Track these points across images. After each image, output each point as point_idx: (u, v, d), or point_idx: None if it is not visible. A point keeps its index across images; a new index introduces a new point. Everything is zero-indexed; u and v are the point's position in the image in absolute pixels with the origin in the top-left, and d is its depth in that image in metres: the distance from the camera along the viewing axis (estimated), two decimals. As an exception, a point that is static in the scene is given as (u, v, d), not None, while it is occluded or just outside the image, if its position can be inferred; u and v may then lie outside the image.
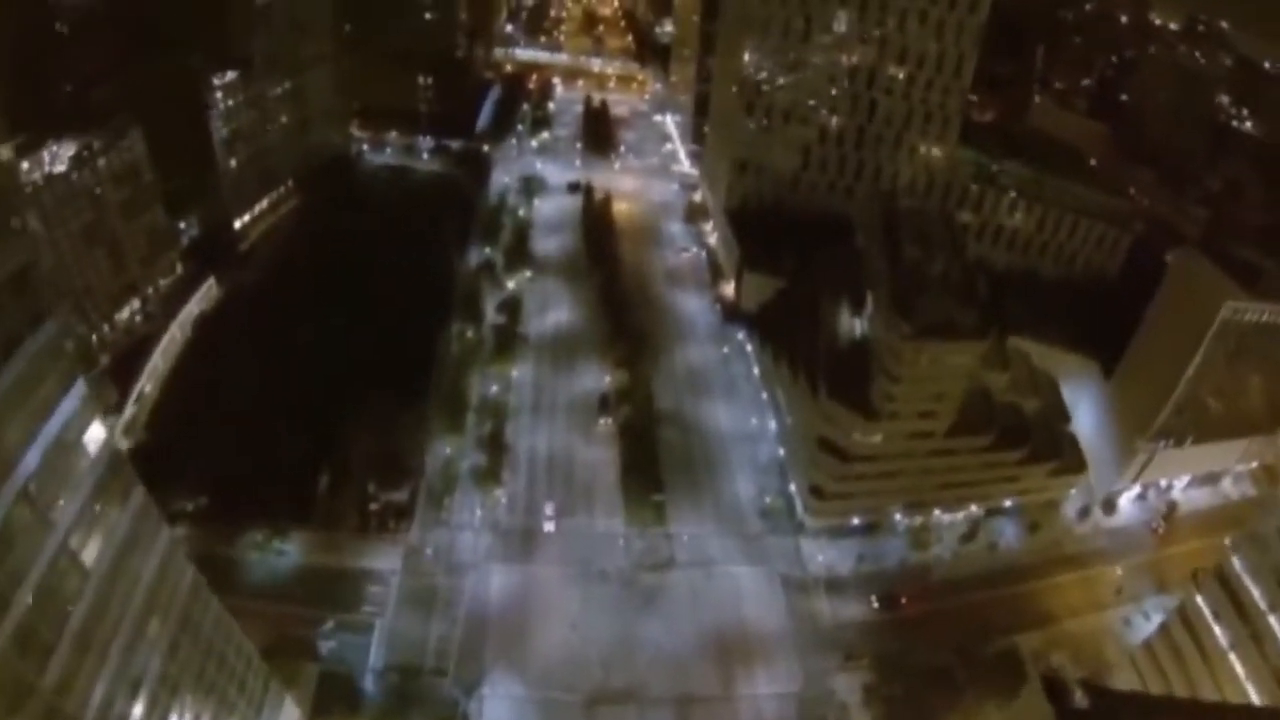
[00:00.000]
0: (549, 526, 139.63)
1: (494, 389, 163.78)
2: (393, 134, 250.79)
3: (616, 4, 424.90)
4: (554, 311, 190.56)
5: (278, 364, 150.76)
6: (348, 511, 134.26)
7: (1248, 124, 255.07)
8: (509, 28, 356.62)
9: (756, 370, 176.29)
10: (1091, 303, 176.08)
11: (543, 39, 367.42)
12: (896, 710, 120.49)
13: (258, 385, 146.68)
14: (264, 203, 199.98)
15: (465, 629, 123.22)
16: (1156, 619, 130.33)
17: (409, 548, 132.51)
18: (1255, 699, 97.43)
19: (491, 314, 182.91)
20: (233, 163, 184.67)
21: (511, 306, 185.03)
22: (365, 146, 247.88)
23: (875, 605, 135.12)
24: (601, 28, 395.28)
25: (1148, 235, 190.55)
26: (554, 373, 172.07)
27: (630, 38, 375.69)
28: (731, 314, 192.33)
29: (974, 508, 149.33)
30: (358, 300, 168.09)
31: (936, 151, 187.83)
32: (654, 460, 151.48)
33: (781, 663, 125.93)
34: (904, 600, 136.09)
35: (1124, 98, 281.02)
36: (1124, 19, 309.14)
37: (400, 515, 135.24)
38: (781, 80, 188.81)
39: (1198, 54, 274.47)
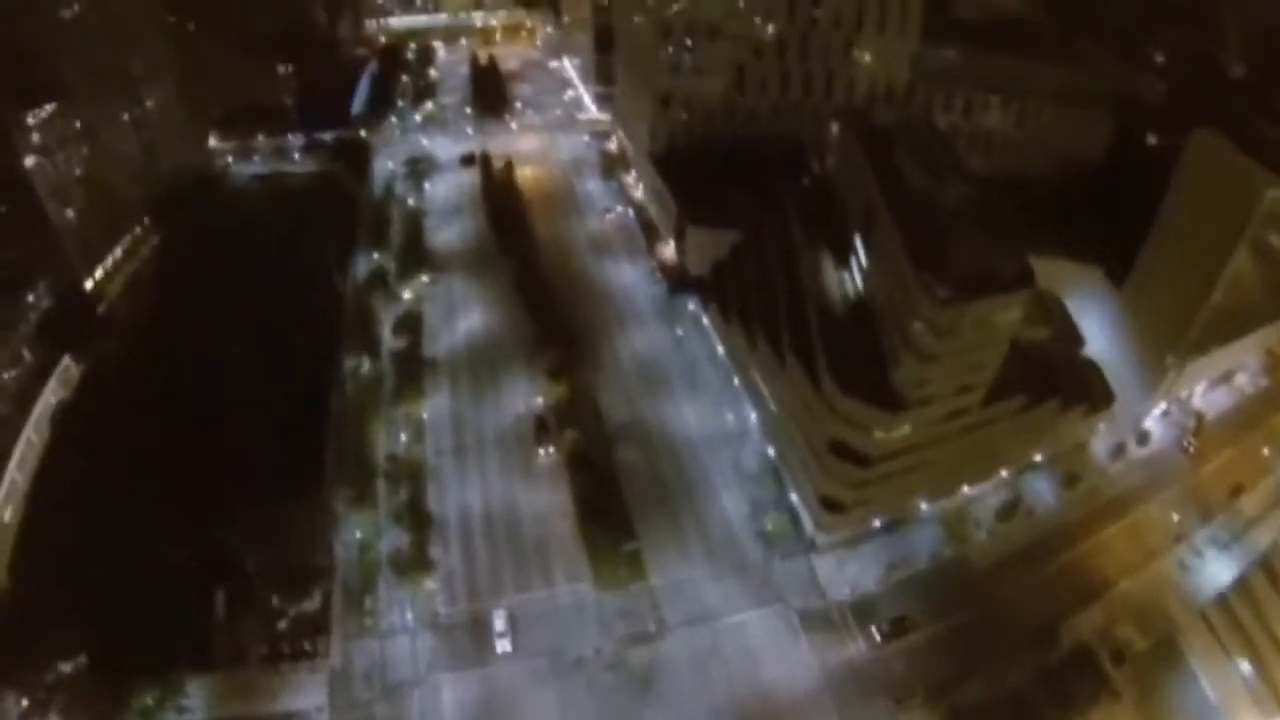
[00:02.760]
0: (503, 646, 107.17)
1: (403, 438, 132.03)
2: (260, 138, 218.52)
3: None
4: (464, 318, 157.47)
5: (152, 454, 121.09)
6: (252, 638, 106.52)
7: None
8: None
9: (721, 349, 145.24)
10: (1082, 201, 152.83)
11: (418, 2, 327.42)
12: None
13: (131, 487, 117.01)
14: (117, 251, 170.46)
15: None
16: (1212, 555, 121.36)
17: (333, 672, 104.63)
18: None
19: (389, 337, 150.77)
20: (69, 213, 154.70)
21: (411, 323, 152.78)
22: (230, 159, 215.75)
23: (878, 639, 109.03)
24: None
25: (1123, 116, 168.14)
26: (475, 399, 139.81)
27: None
28: (678, 281, 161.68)
29: (1004, 473, 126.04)
30: (235, 351, 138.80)
31: (897, 52, 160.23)
32: (616, 494, 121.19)
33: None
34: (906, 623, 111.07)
35: None
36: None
37: (316, 630, 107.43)
38: None
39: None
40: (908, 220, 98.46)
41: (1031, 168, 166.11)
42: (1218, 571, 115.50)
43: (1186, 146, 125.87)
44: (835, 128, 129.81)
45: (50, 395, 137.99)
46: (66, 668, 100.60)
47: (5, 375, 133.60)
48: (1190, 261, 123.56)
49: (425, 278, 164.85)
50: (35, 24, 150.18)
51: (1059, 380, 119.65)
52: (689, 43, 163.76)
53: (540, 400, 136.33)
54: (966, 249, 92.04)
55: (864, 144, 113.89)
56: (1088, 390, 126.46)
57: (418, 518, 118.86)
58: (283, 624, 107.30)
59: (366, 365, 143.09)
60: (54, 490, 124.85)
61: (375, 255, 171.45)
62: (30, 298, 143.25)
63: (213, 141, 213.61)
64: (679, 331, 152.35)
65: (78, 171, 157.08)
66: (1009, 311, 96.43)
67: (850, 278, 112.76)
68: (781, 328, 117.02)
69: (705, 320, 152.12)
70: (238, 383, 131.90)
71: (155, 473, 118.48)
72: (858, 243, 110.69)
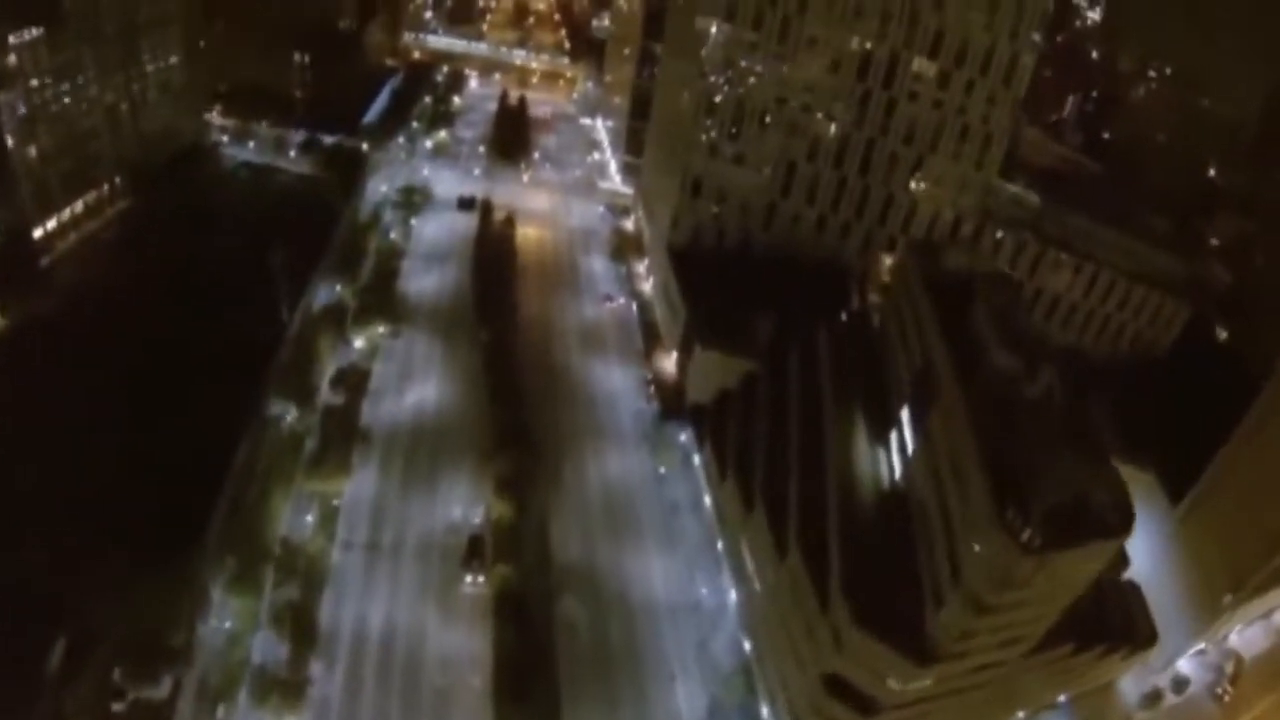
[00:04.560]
0: None
1: (310, 520, 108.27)
2: (263, 124, 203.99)
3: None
4: (417, 388, 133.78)
5: (35, 450, 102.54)
6: (81, 712, 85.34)
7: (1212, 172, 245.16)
8: (428, 14, 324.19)
9: (708, 499, 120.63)
10: (1141, 393, 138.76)
11: (463, 28, 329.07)
12: None
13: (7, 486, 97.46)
14: (78, 205, 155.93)
15: None
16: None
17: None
18: None
19: (326, 389, 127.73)
20: (32, 150, 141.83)
21: (355, 379, 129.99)
22: (225, 137, 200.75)
23: None
24: (532, 20, 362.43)
25: (1194, 303, 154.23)
26: (404, 491, 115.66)
27: (563, 32, 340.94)
28: (672, 405, 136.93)
29: (1020, 715, 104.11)
30: (157, 357, 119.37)
31: (970, 184, 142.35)
32: (546, 657, 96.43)
33: None
34: None
35: (1106, 135, 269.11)
36: (1094, 55, 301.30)
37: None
38: (759, 68, 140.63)
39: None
40: (984, 413, 76.05)
41: (1091, 344, 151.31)
42: None
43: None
44: (888, 260, 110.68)
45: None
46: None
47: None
48: (1270, 493, 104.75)
49: (384, 328, 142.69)
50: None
51: (1108, 619, 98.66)
52: (736, 126, 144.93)
53: (480, 513, 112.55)
54: (1059, 473, 69.67)
55: (932, 292, 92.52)
56: (1133, 627, 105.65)
57: (302, 627, 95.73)
58: (119, 706, 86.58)
59: (292, 416, 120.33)
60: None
61: (338, 287, 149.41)
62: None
63: (214, 116, 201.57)
64: (662, 469, 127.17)
65: (52, 109, 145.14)
66: (1099, 560, 74.08)
67: (887, 459, 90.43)
68: (789, 503, 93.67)
69: (696, 460, 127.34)
70: (146, 396, 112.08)
71: (31, 474, 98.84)
72: (905, 415, 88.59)
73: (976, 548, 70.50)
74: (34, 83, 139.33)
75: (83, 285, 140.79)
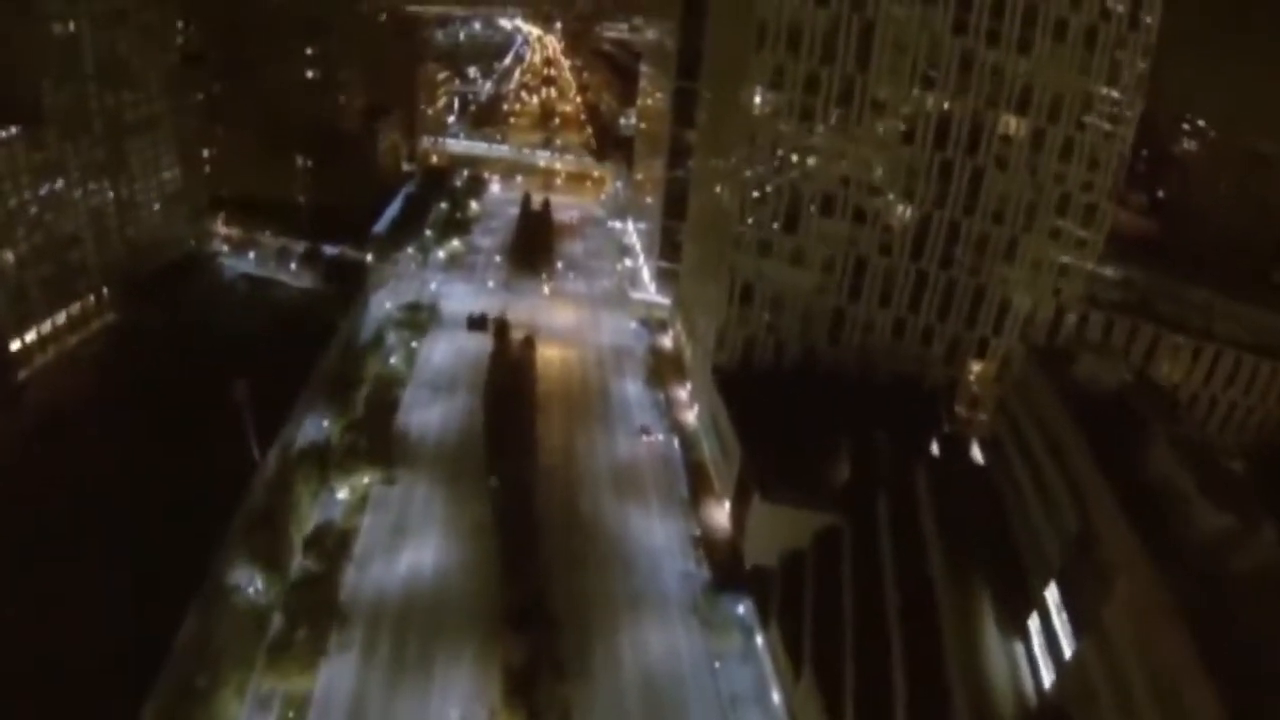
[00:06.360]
0: None
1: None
2: (267, 233, 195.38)
3: (579, 100, 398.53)
4: (412, 550, 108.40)
5: None
6: None
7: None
8: (450, 118, 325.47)
9: (777, 694, 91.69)
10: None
11: (486, 130, 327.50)
12: None
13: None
14: (60, 317, 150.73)
15: None
16: None
17: None
18: None
19: (302, 554, 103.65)
20: (9, 255, 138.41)
21: (335, 541, 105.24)
22: (225, 247, 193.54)
23: None
24: (558, 121, 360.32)
25: None
26: (391, 686, 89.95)
27: (589, 131, 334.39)
28: (727, 570, 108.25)
29: None
30: (121, 503, 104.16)
31: (1075, 267, 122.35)
32: None
33: None
34: None
35: (1161, 194, 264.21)
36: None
37: None
38: (816, 143, 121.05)
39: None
40: (1194, 602, 51.03)
41: (1215, 438, 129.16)
42: None
43: None
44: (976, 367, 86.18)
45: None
46: None
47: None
48: None
49: (370, 477, 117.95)
50: (18, 32, 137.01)
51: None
52: (788, 217, 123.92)
53: (484, 718, 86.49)
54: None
55: (1071, 419, 68.88)
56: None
57: None
58: None
59: (257, 588, 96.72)
60: None
61: (325, 423, 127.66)
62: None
63: (219, 225, 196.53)
64: (717, 664, 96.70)
65: (31, 211, 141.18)
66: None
67: (1030, 659, 65.64)
68: (895, 713, 68.03)
69: (760, 640, 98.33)
70: (92, 547, 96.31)
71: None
72: (1053, 597, 64.09)
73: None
74: (10, 183, 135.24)
75: (55, 406, 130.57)
